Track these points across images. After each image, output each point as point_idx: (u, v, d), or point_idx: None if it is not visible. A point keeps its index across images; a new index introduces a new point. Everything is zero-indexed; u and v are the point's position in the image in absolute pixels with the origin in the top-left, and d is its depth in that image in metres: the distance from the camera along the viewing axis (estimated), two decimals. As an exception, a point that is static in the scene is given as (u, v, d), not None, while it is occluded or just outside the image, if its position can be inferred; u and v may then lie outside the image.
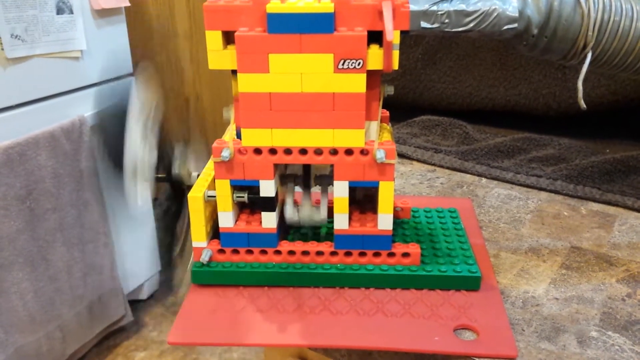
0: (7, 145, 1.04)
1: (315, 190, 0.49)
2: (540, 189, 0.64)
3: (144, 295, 1.54)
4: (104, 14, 1.26)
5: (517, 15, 0.40)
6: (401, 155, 0.74)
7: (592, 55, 0.43)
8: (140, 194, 0.46)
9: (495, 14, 0.40)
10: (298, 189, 0.48)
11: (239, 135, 0.44)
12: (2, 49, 1.06)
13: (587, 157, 0.70)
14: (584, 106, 0.44)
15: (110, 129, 0.47)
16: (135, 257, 1.43)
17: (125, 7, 1.31)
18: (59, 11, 1.16)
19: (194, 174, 0.48)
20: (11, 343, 1.09)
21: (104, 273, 1.28)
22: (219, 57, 0.40)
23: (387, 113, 0.49)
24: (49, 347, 1.18)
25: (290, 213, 0.46)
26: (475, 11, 0.40)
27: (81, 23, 1.20)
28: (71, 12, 1.18)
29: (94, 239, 1.25)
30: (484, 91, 0.85)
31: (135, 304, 1.50)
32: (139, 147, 0.45)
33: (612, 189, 0.63)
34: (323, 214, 0.46)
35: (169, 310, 1.56)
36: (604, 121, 0.82)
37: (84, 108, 1.22)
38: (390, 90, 0.46)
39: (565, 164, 0.69)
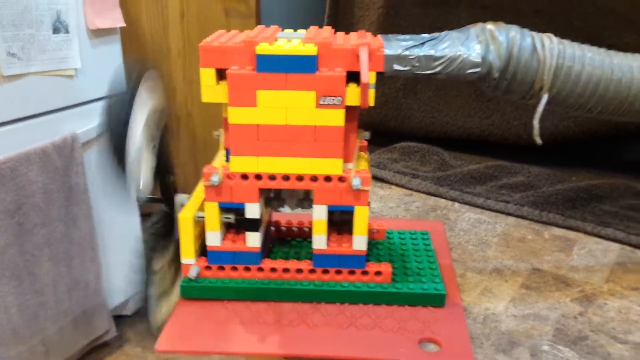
0: (-1, 160, 1.07)
1: (297, 211, 0.53)
2: (508, 214, 0.69)
3: (128, 310, 1.55)
4: (99, 33, 1.30)
5: (480, 60, 0.45)
6: (381, 180, 0.79)
7: (548, 97, 0.48)
8: (143, 177, 0.48)
9: (460, 60, 0.45)
10: (288, 209, 0.52)
11: (228, 156, 0.47)
12: (-1, 67, 1.09)
13: (554, 184, 0.75)
14: (540, 142, 0.49)
15: (115, 116, 0.50)
16: (122, 272, 1.44)
17: (121, 27, 1.35)
18: (55, 30, 1.20)
19: (184, 195, 0.52)
20: (-5, 356, 1.10)
21: (89, 288, 1.30)
22: (212, 91, 0.45)
23: (365, 142, 0.54)
24: (32, 361, 1.19)
25: None
26: (442, 56, 0.45)
27: (77, 42, 1.24)
28: (67, 31, 1.22)
29: (81, 254, 1.26)
30: (460, 120, 0.90)
31: (119, 319, 1.51)
32: (142, 139, 0.48)
33: (575, 215, 0.68)
34: None
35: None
36: (572, 151, 0.87)
37: (76, 125, 1.25)
38: (366, 135, 0.51)
39: (532, 190, 0.73)
